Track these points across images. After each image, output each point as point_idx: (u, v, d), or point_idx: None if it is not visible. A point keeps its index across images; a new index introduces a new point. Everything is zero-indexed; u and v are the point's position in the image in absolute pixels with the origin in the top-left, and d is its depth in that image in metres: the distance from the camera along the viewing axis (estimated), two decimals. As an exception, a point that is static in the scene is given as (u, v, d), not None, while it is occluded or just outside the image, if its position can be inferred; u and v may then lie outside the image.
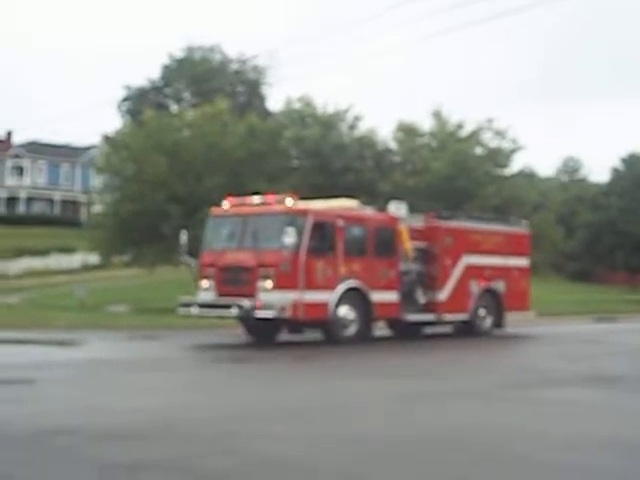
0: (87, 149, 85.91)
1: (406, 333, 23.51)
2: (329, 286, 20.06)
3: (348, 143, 40.02)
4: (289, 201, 19.98)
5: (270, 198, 20.77)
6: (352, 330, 20.46)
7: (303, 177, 38.34)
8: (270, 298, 18.99)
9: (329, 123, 40.07)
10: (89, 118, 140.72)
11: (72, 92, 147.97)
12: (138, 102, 68.02)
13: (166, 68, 72.50)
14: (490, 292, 24.77)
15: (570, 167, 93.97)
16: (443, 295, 23.39)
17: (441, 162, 38.36)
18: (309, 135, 39.26)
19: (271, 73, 72.30)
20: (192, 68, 69.88)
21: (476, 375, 14.72)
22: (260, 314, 19.01)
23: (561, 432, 8.77)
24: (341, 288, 20.27)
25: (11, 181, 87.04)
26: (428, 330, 24.74)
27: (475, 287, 24.29)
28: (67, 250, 62.54)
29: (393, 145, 41.78)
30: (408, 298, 22.55)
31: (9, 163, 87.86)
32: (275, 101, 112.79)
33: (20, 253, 56.44)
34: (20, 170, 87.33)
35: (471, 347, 21.04)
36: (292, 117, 41.27)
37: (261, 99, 70.21)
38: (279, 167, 38.44)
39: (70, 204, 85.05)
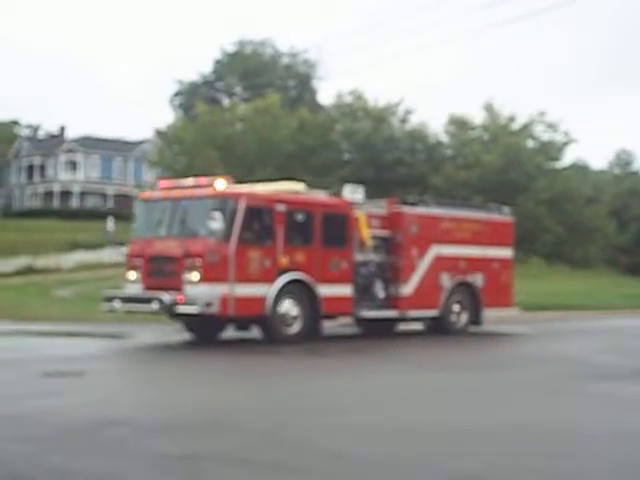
0: (139, 143, 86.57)
1: (376, 330, 21.57)
2: (266, 279, 17.94)
3: (399, 137, 39.95)
4: (219, 183, 17.79)
5: (203, 180, 18.60)
6: (295, 328, 18.34)
7: (354, 171, 38.32)
8: (195, 292, 17.07)
9: (380, 117, 40.01)
10: (142, 112, 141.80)
11: (125, 87, 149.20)
12: (190, 96, 68.40)
13: (218, 62, 72.81)
14: (465, 286, 22.31)
15: (623, 160, 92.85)
16: (408, 289, 20.95)
17: (493, 155, 38.17)
18: (360, 129, 39.25)
19: (322, 67, 72.38)
20: (243, 62, 70.09)
21: (522, 367, 14.70)
22: (182, 310, 17.13)
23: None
24: (281, 281, 18.10)
25: (65, 175, 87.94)
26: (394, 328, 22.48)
27: (447, 280, 21.80)
28: (120, 244, 63.09)
29: (444, 138, 41.65)
30: (365, 292, 20.34)
31: (63, 158, 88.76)
32: (326, 95, 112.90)
33: (73, 247, 57.02)
34: (73, 165, 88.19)
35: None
36: (343, 111, 41.25)
37: (312, 93, 70.22)
38: (330, 161, 38.48)
39: (123, 198, 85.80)
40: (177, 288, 17.26)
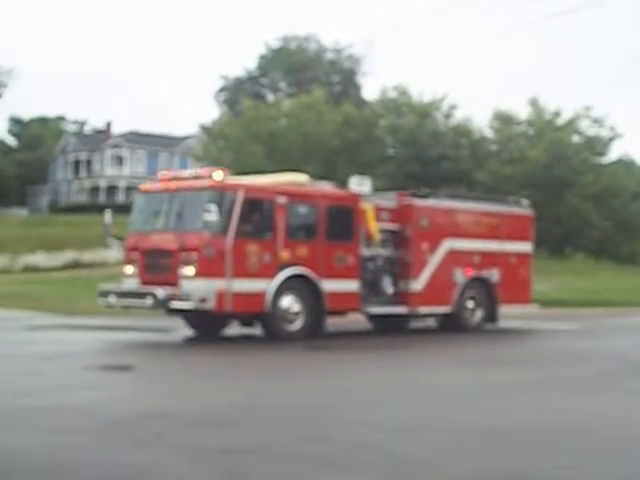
0: (185, 139, 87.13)
1: (387, 327, 21.03)
2: (266, 274, 17.34)
3: (444, 132, 39.81)
4: (217, 175, 17.26)
5: (203, 172, 18.20)
6: (298, 324, 17.81)
7: (398, 166, 38.26)
8: (190, 287, 16.59)
9: (425, 112, 39.88)
10: (187, 108, 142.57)
11: (170, 83, 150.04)
12: (235, 92, 68.70)
13: (263, 58, 73.05)
14: (480, 282, 21.56)
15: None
16: (418, 285, 20.26)
17: (538, 151, 37.86)
18: (404, 124, 39.14)
19: (366, 62, 72.32)
20: (288, 58, 70.27)
21: (567, 364, 14.61)
22: (176, 305, 16.70)
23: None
24: (282, 276, 17.52)
25: (111, 170, 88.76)
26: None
27: (460, 276, 21.06)
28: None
29: (489, 134, 41.44)
30: (372, 288, 19.71)
31: (109, 153, 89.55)
32: (370, 90, 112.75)
33: (119, 241, 57.73)
34: (120, 160, 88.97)
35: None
36: (387, 106, 41.18)
37: (356, 88, 70.18)
38: (374, 156, 38.47)
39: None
40: (173, 283, 16.82)
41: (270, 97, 64.63)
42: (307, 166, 35.89)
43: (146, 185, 19.56)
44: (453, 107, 40.75)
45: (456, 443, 7.78)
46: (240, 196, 17.04)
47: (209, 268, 16.69)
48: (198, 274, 16.64)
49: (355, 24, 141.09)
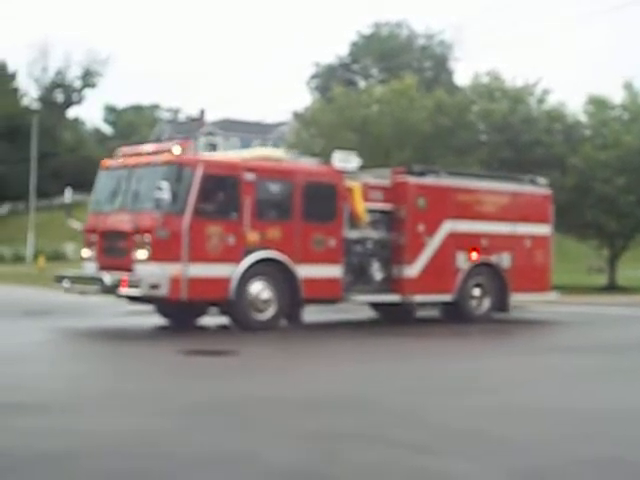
0: (277, 126, 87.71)
1: (395, 316, 19.57)
2: (231, 257, 15.94)
3: (537, 117, 39.51)
4: (176, 149, 15.95)
5: (162, 146, 16.92)
6: (269, 313, 16.39)
7: (491, 151, 38.11)
8: (144, 272, 15.36)
9: (517, 97, 39.62)
10: (280, 95, 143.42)
11: (263, 70, 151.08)
12: (327, 79, 68.97)
13: (354, 45, 73.19)
14: (488, 267, 19.75)
15: None
16: (413, 270, 18.53)
17: (633, 135, 37.43)
18: (497, 109, 38.95)
19: (458, 47, 71.92)
20: (380, 44, 70.30)
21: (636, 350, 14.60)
22: (125, 292, 15.50)
23: None
24: (249, 260, 16.08)
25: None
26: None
27: (464, 261, 19.26)
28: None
29: (583, 118, 41.00)
30: (359, 274, 18.15)
31: (203, 140, 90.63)
32: (462, 75, 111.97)
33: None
34: (213, 147, 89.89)
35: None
36: (480, 91, 41.01)
37: (448, 74, 69.93)
38: (467, 142, 38.39)
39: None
40: (128, 268, 15.63)
41: (362, 83, 64.77)
42: (400, 152, 36.12)
43: (107, 160, 17.95)
44: (546, 92, 40.42)
45: (555, 427, 7.88)
46: (199, 172, 15.70)
47: (163, 251, 15.40)
48: (151, 258, 15.39)
49: (446, 10, 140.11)
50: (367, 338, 16.69)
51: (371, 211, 18.24)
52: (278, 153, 18.35)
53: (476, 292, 19.55)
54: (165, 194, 15.05)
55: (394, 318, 19.54)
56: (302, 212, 16.96)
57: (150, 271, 15.27)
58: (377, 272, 18.32)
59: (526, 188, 20.98)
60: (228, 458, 6.61)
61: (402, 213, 18.58)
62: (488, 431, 7.68)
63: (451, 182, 19.54)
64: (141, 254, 15.47)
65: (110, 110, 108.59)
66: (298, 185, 17.00)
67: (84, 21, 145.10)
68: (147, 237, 15.41)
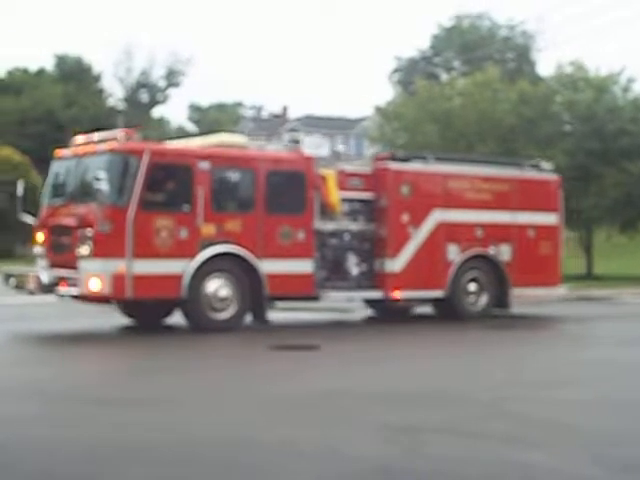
0: (360, 120, 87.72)
1: (389, 313, 18.56)
2: (183, 253, 14.85)
3: (622, 106, 39.07)
4: (121, 137, 14.92)
5: (110, 134, 15.57)
6: (229, 312, 15.29)
7: (576, 142, 37.80)
8: (86, 270, 14.35)
9: (602, 86, 39.23)
10: (361, 90, 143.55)
11: (345, 65, 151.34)
12: (409, 73, 68.79)
13: (435, 38, 72.84)
14: (485, 260, 18.32)
15: None
16: (396, 265, 17.21)
17: None
18: (581, 99, 38.62)
19: (540, 38, 71.06)
20: (461, 36, 69.83)
21: None
22: (62, 292, 14.67)
23: None
24: (204, 255, 14.97)
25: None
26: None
27: (456, 253, 17.87)
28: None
29: (669, 106, 40.40)
30: (334, 269, 16.88)
31: (286, 137, 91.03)
32: (545, 66, 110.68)
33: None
34: (296, 143, 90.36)
35: None
36: (563, 82, 40.70)
37: (531, 65, 69.18)
38: (551, 133, 38.14)
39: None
40: (74, 265, 14.60)
41: (444, 76, 64.54)
42: (482, 145, 36.05)
43: (60, 150, 16.80)
44: (631, 80, 39.94)
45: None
46: (145, 161, 14.60)
47: (105, 247, 14.36)
48: (93, 254, 14.35)
49: (528, 0, 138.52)
50: (438, 331, 16.82)
51: (349, 200, 17.12)
52: (239, 139, 17.22)
53: (472, 287, 18.25)
54: (103, 185, 14.10)
55: (390, 315, 18.58)
56: (266, 203, 15.82)
57: (93, 268, 14.30)
58: (355, 267, 17.14)
59: (528, 174, 19.50)
60: (313, 451, 6.72)
61: (383, 202, 17.34)
62: (572, 422, 7.69)
63: (440, 168, 18.19)
64: (84, 250, 14.47)
65: (194, 109, 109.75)
66: (260, 173, 15.83)
67: (166, 22, 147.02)
68: (89, 232, 14.42)
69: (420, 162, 17.99)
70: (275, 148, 17.26)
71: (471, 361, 12.28)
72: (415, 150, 31.81)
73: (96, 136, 15.80)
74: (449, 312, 18.08)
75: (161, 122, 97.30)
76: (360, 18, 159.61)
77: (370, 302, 18.58)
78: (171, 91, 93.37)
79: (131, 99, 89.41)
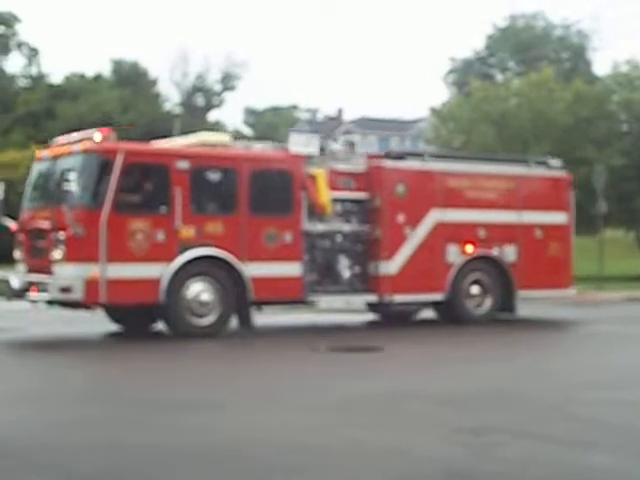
0: (415, 122, 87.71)
1: (395, 317, 18.10)
2: (161, 256, 14.33)
3: (679, 104, 38.83)
4: (97, 137, 14.25)
5: (85, 134, 14.91)
6: (210, 318, 14.76)
7: (634, 141, 37.64)
8: (59, 274, 14.00)
9: (659, 85, 39.04)
10: (417, 92, 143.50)
11: (400, 67, 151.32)
12: (463, 73, 68.67)
13: (490, 38, 72.64)
14: (489, 262, 17.57)
15: None
16: (392, 267, 16.53)
17: None
18: (638, 98, 38.44)
19: (596, 37, 70.62)
20: (516, 36, 69.57)
21: None
22: (34, 297, 14.30)
23: None
24: (183, 259, 14.42)
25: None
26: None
27: (456, 254, 17.15)
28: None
29: None
30: (325, 272, 16.21)
31: (341, 139, 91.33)
32: (601, 65, 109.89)
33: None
34: (352, 145, 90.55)
35: None
36: (620, 81, 40.52)
37: (587, 64, 68.78)
38: (608, 132, 37.99)
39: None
40: (49, 270, 14.25)
41: (499, 77, 64.43)
42: (538, 146, 36.03)
43: (40, 151, 16.46)
44: (688, 78, 39.69)
45: None
46: (119, 161, 14.12)
47: (78, 250, 13.94)
48: (66, 258, 13.98)
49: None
50: (497, 333, 16.68)
51: (341, 201, 16.48)
52: (221, 138, 16.61)
53: (474, 290, 17.54)
54: (75, 186, 13.93)
55: (393, 319, 18.16)
56: (250, 204, 15.24)
57: (62, 273, 13.97)
58: (347, 269, 16.44)
59: (535, 171, 18.67)
60: (379, 453, 6.79)
61: (377, 202, 16.67)
62: (634, 424, 7.72)
63: (438, 166, 17.45)
64: (57, 254, 14.10)
65: (250, 112, 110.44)
66: (244, 173, 15.22)
67: (221, 25, 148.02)
68: (62, 235, 14.02)
69: (417, 160, 17.44)
70: (261, 147, 16.70)
71: (528, 363, 12.35)
72: (472, 151, 31.99)
73: (73, 136, 15.38)
74: (450, 316, 17.46)
75: (217, 126, 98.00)
76: (415, 19, 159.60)
77: (372, 306, 17.92)
78: (227, 95, 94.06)
79: (187, 103, 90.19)
